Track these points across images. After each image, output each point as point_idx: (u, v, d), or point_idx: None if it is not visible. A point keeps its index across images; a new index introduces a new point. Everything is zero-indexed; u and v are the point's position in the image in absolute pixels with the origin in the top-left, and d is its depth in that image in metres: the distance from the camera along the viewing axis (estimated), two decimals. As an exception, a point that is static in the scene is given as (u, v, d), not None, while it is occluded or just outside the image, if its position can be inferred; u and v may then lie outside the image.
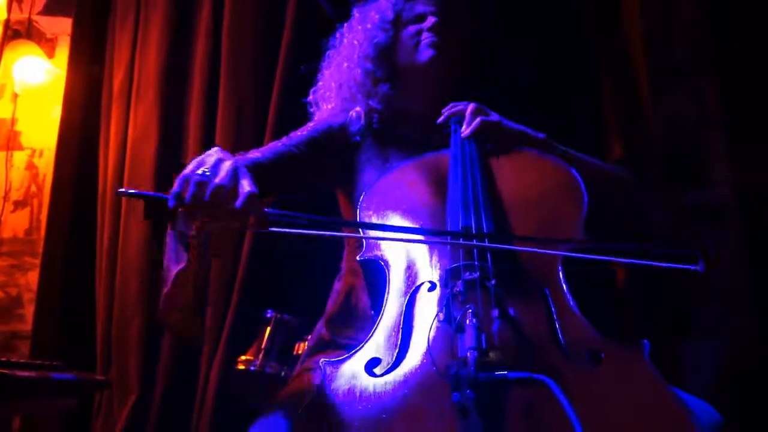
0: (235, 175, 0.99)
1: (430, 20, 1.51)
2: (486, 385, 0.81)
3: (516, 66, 1.89)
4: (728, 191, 1.65)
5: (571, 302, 1.02)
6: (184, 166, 1.05)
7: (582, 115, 1.96)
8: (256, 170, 1.31)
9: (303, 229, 1.05)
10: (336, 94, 1.55)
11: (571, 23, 2.02)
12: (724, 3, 1.73)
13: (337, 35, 1.64)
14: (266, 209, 0.99)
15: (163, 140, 2.33)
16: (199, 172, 0.99)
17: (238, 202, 0.96)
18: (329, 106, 1.56)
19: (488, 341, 0.87)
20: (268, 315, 1.87)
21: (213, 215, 0.98)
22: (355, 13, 1.64)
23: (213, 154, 1.04)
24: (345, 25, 1.65)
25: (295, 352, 1.79)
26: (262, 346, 1.85)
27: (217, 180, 0.97)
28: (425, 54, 1.50)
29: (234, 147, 2.20)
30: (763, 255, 1.59)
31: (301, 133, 1.46)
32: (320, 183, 1.51)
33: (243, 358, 1.89)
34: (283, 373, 1.76)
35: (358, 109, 1.51)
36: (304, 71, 1.70)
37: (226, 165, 1.01)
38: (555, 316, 0.99)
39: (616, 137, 1.91)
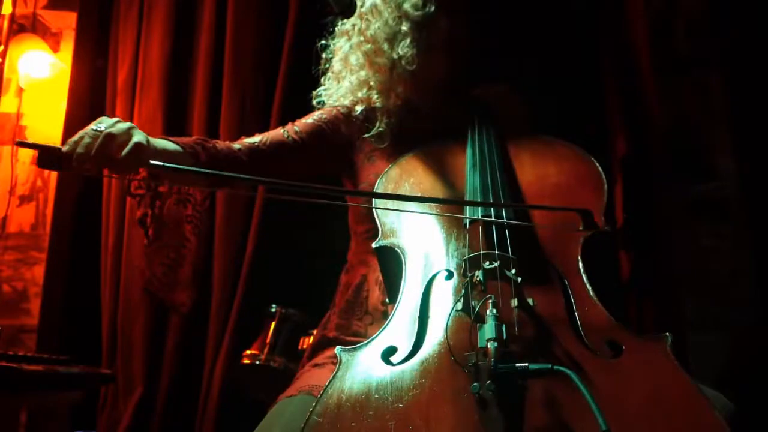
0: (128, 130, 1.09)
1: None
2: (506, 377, 0.81)
3: (520, 63, 1.88)
4: (733, 185, 1.64)
5: (591, 292, 1.01)
6: None
7: (586, 110, 1.95)
8: (252, 155, 1.34)
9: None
10: (349, 84, 1.50)
11: (576, 19, 2.02)
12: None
13: (347, 26, 1.58)
14: (153, 161, 1.08)
15: (168, 133, 2.30)
16: (94, 126, 1.08)
17: (125, 151, 1.05)
18: (339, 96, 1.53)
19: (508, 332, 0.86)
20: (273, 309, 1.87)
21: (104, 164, 1.08)
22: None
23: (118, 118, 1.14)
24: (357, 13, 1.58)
25: (300, 347, 1.79)
26: (267, 340, 1.85)
27: (109, 130, 1.06)
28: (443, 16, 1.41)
29: (238, 138, 2.22)
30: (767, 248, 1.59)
31: (307, 120, 1.45)
32: (322, 171, 1.48)
33: (248, 352, 1.90)
34: (288, 367, 1.77)
35: (371, 99, 1.47)
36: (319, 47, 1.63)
37: (124, 123, 1.10)
38: (574, 306, 0.97)
39: (621, 132, 1.91)
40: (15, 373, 1.36)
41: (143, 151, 1.08)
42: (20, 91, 2.53)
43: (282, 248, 2.14)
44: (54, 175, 2.44)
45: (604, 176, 1.20)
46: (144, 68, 2.43)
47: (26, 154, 2.47)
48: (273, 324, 1.86)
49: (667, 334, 0.91)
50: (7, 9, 2.58)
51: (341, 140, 1.46)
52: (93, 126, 1.08)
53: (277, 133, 1.42)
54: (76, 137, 1.06)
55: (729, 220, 1.64)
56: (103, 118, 1.12)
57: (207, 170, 1.17)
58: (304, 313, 1.85)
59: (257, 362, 1.87)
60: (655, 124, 1.76)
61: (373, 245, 1.17)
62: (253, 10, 2.33)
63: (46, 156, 1.03)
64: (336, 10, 1.37)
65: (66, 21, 2.61)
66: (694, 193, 1.66)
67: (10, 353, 1.47)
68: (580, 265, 1.05)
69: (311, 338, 1.63)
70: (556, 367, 0.81)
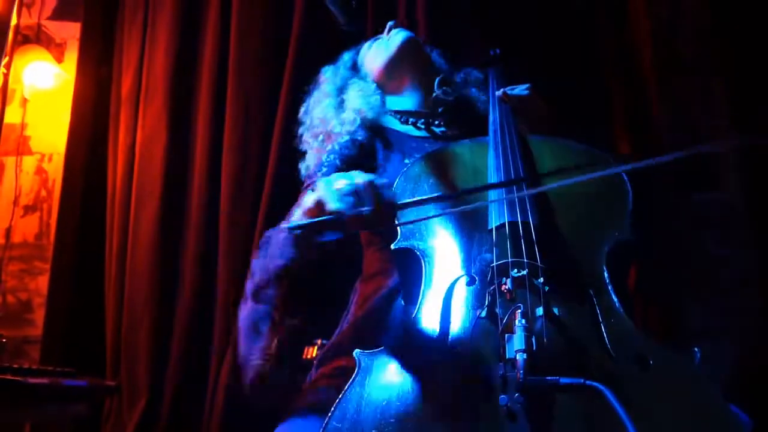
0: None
1: (388, 28, 1.59)
2: (536, 390, 0.79)
3: (524, 65, 1.88)
4: (736, 189, 1.63)
5: (617, 304, 0.97)
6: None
7: (590, 114, 1.95)
8: None
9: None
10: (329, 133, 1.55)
11: (579, 23, 2.01)
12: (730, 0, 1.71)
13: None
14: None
15: (172, 142, 2.33)
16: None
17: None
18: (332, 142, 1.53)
19: (538, 343, 0.84)
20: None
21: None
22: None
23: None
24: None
25: (304, 356, 1.78)
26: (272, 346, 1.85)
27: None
28: (394, 41, 1.56)
29: (242, 148, 2.23)
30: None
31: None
32: None
33: (252, 360, 1.89)
34: (292, 377, 1.76)
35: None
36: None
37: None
38: (600, 318, 0.94)
39: (624, 136, 1.90)
40: (20, 387, 1.35)
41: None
42: (24, 101, 2.53)
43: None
44: (58, 185, 2.44)
45: (628, 183, 1.16)
46: (148, 77, 2.44)
47: (30, 165, 2.48)
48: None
49: (696, 349, 0.89)
50: (12, 20, 2.59)
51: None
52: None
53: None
54: None
55: (735, 227, 1.63)
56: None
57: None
58: (307, 323, 1.84)
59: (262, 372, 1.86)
60: (658, 126, 1.75)
61: (392, 246, 1.14)
62: (257, 17, 2.33)
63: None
64: (342, 21, 1.38)
65: (70, 31, 2.61)
66: (700, 200, 1.65)
67: (15, 366, 1.46)
68: (606, 274, 1.02)
69: (316, 348, 1.62)
70: (588, 382, 0.78)
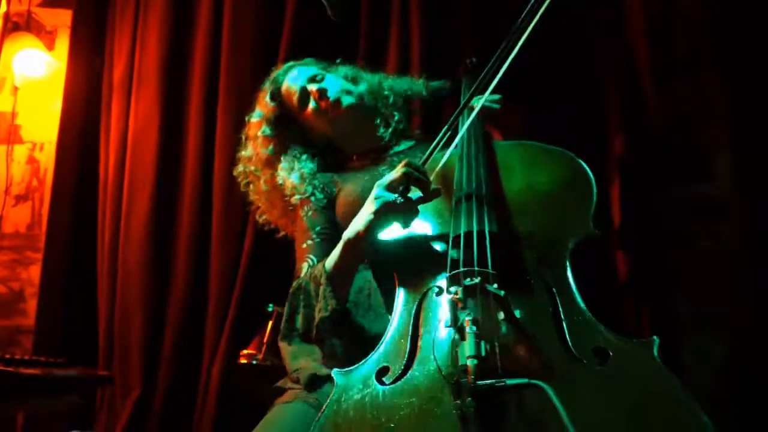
0: None
1: (314, 93, 1.53)
2: (485, 393, 0.82)
3: (517, 64, 1.87)
4: (731, 185, 1.64)
5: (579, 299, 1.01)
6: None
7: (584, 111, 1.95)
8: None
9: None
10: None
11: (573, 19, 2.01)
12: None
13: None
14: None
15: (164, 131, 2.32)
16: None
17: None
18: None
19: (488, 348, 0.86)
20: (270, 309, 1.87)
21: None
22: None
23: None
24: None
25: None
26: (265, 340, 1.85)
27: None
28: (334, 113, 1.52)
29: (235, 137, 2.21)
30: (765, 249, 1.59)
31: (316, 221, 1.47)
32: None
33: (245, 352, 1.90)
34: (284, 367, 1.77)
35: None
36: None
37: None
38: (562, 316, 0.97)
39: (619, 133, 1.90)
40: (12, 378, 1.35)
41: None
42: (15, 89, 2.51)
43: (279, 247, 2.13)
44: (50, 174, 2.43)
45: (593, 180, 1.19)
46: (141, 65, 2.42)
47: (21, 154, 2.46)
48: (270, 324, 1.86)
49: (655, 337, 0.91)
50: (2, 7, 2.57)
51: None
52: None
53: (321, 246, 1.42)
54: None
55: (727, 221, 1.64)
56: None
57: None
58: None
59: (254, 362, 1.87)
60: (653, 123, 1.75)
61: (365, 262, 1.20)
62: (251, 5, 2.31)
63: None
64: (334, 15, 1.37)
65: (61, 19, 2.59)
66: (692, 194, 1.66)
67: (6, 356, 1.46)
68: (568, 272, 1.05)
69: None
70: (532, 381, 0.81)
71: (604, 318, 0.99)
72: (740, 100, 1.64)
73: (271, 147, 1.56)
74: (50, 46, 2.55)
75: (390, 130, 1.56)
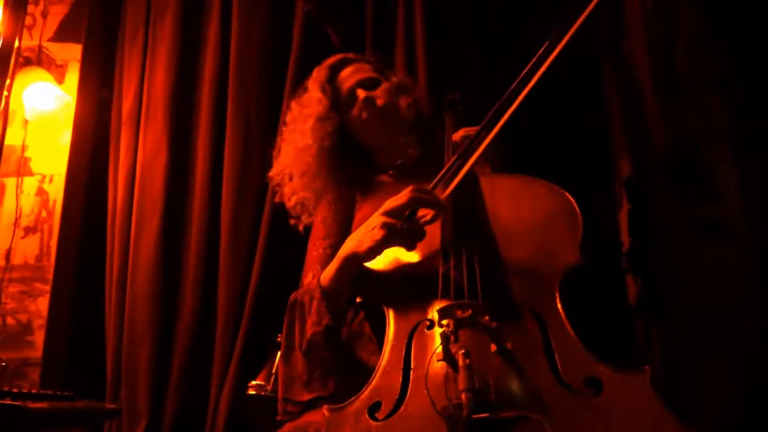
0: None
1: (360, 95, 1.55)
2: (480, 426, 0.81)
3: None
4: (736, 205, 1.63)
5: (569, 330, 1.00)
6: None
7: (589, 133, 1.95)
8: None
9: None
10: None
11: (577, 41, 2.02)
12: (725, 14, 1.72)
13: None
14: None
15: (172, 161, 2.34)
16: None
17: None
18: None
19: (481, 381, 0.86)
20: (279, 339, 1.86)
21: None
22: (293, 106, 1.69)
23: None
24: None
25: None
26: (273, 370, 1.84)
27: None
28: (372, 118, 1.55)
29: (243, 167, 2.24)
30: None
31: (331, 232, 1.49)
32: None
33: (254, 383, 1.88)
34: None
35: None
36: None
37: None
38: (553, 347, 0.96)
39: (624, 154, 1.91)
40: (20, 412, 1.34)
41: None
42: (25, 123, 2.55)
43: (287, 278, 2.13)
44: (59, 206, 2.45)
45: (578, 210, 1.20)
46: (149, 96, 2.45)
47: (31, 186, 2.49)
48: (279, 354, 1.84)
49: (647, 367, 0.90)
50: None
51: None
52: None
53: (324, 254, 1.45)
54: None
55: (732, 241, 1.63)
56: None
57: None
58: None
59: (263, 393, 1.85)
60: (657, 144, 1.76)
61: (357, 300, 1.20)
62: (257, 34, 2.34)
63: None
64: (339, 43, 1.39)
65: (71, 53, 2.64)
66: (699, 215, 1.65)
67: (14, 390, 1.46)
68: (558, 302, 1.04)
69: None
70: (527, 413, 0.82)
71: (615, 341, 0.99)
72: (743, 118, 1.64)
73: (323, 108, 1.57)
74: (60, 80, 2.60)
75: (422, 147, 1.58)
